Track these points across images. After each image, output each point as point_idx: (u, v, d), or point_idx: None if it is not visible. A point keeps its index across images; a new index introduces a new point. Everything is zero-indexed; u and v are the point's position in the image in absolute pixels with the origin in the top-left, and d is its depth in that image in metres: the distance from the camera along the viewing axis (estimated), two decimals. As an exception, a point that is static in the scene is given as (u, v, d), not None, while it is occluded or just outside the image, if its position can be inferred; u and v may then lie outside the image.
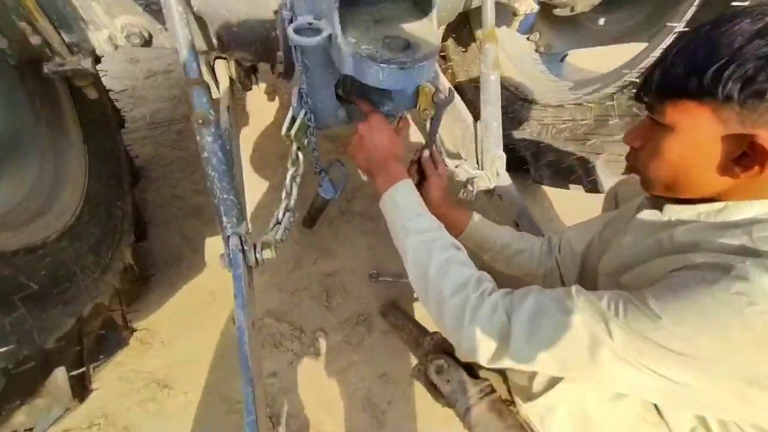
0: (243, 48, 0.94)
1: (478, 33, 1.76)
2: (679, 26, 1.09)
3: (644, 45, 1.27)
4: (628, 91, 1.21)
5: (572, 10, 1.44)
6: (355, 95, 1.02)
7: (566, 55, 1.78)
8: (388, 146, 0.91)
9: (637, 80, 1.17)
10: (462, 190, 1.34)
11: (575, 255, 0.97)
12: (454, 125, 1.40)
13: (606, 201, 1.08)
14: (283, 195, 1.08)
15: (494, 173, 1.28)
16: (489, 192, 1.32)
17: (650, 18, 1.39)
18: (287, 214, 1.09)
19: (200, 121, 0.84)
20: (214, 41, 0.92)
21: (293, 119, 0.97)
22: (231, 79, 1.19)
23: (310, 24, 0.79)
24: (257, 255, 0.98)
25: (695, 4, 1.05)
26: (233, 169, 1.07)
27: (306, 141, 1.03)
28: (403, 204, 0.85)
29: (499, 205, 1.32)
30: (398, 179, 0.88)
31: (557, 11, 1.49)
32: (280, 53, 0.94)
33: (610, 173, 1.40)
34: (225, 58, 1.18)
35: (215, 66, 1.18)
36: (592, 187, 1.47)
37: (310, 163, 1.09)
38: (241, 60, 1.02)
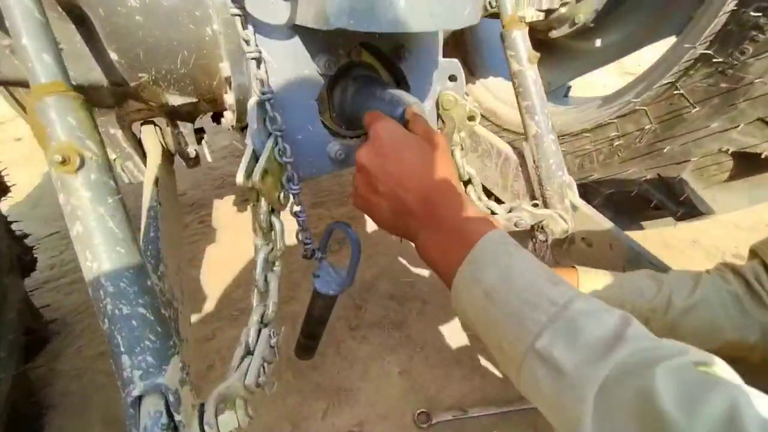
0: (162, 65, 0.58)
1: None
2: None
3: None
4: (703, 68, 0.91)
5: (572, 24, 1.25)
6: (350, 105, 0.64)
7: (569, 89, 1.58)
8: (428, 170, 0.47)
9: (710, 51, 0.89)
10: (530, 244, 0.90)
11: None
12: (484, 163, 1.04)
13: None
14: (254, 298, 0.62)
15: (567, 207, 0.87)
16: (566, 239, 0.89)
17: (667, 14, 1.21)
18: (264, 332, 0.60)
19: (59, 160, 0.41)
20: (113, 57, 0.56)
21: (255, 155, 0.57)
22: (164, 149, 0.81)
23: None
24: (208, 428, 0.47)
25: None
26: (155, 260, 0.61)
27: (281, 195, 0.61)
28: (513, 294, 0.38)
29: (589, 254, 0.87)
30: (476, 234, 0.42)
31: (554, 33, 1.32)
32: (225, 64, 0.58)
33: (705, 185, 1.02)
34: (153, 122, 0.82)
35: (145, 136, 0.82)
36: (689, 211, 1.06)
37: (297, 238, 0.66)
38: (168, 101, 0.66)
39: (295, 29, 0.55)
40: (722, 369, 0.30)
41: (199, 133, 0.88)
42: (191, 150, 0.82)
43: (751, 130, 0.85)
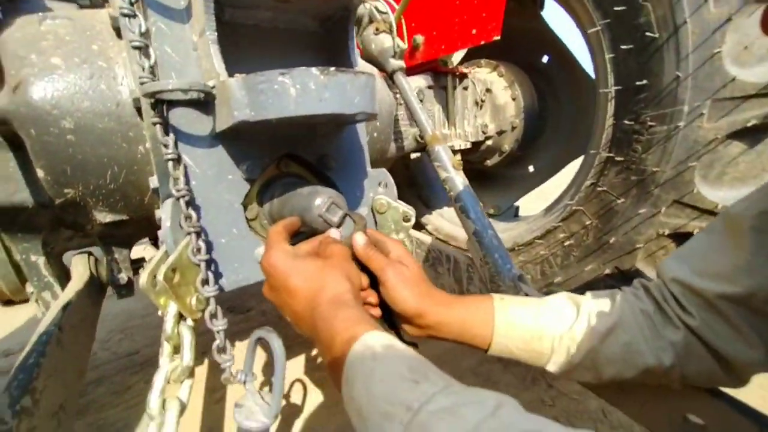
0: (90, 180, 0.61)
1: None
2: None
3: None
4: (612, 167, 1.02)
5: (501, 153, 1.44)
6: (276, 206, 0.65)
7: (518, 208, 1.70)
8: (311, 293, 0.47)
9: (611, 154, 1.01)
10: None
11: (731, 304, 0.45)
12: (437, 271, 1.01)
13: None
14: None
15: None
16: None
17: (576, 137, 1.42)
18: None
19: None
20: (40, 174, 0.59)
21: (166, 256, 0.55)
22: (93, 279, 0.77)
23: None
24: None
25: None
26: (19, 390, 0.50)
27: (194, 299, 0.56)
28: (373, 407, 0.34)
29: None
30: (348, 347, 0.39)
31: (488, 163, 1.50)
32: (153, 177, 0.61)
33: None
34: (89, 252, 0.81)
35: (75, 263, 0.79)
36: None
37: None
38: (97, 219, 0.66)
39: (220, 139, 0.60)
40: None
41: (138, 263, 0.86)
42: (123, 276, 0.78)
43: (674, 211, 0.90)
